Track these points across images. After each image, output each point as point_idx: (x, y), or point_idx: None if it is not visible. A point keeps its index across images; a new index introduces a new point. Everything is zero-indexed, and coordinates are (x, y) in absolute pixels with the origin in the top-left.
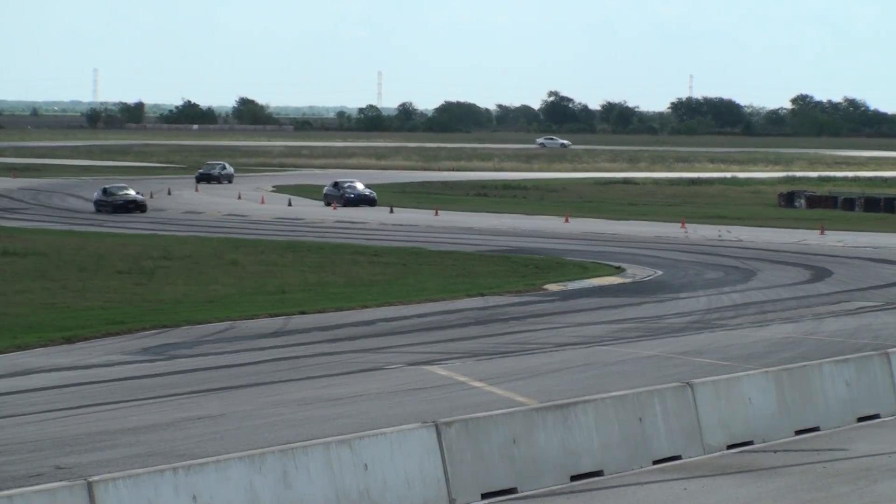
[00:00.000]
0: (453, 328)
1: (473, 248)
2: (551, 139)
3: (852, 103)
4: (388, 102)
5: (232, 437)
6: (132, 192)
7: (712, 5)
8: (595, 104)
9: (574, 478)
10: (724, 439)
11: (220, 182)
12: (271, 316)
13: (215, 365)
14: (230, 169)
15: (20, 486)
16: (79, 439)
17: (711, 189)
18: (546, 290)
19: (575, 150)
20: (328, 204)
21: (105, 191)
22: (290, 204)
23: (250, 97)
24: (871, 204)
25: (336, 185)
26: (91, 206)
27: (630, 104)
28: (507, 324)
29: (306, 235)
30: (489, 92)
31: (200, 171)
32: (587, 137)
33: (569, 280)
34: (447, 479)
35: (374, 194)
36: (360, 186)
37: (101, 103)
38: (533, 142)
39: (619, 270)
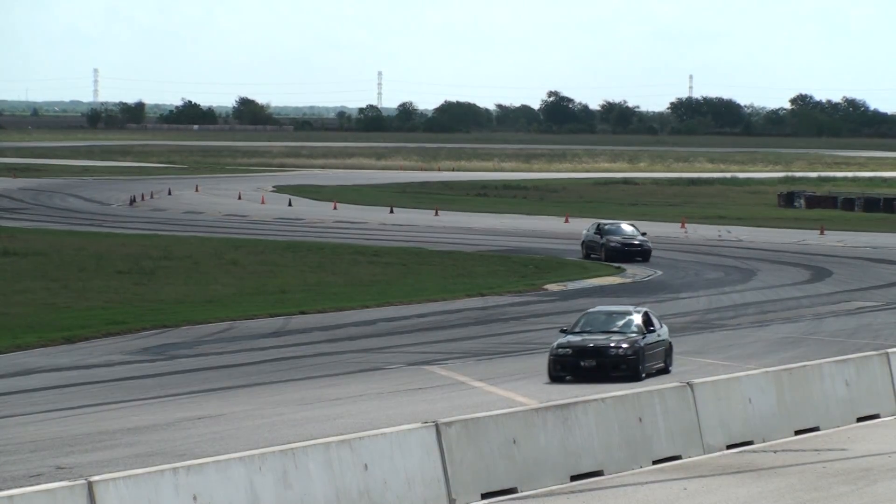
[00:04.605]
0: (453, 328)
1: (473, 248)
2: None
3: (852, 103)
4: (388, 102)
5: (232, 437)
6: (630, 229)
7: (712, 5)
8: (595, 104)
9: (574, 478)
10: (724, 439)
11: None
12: (271, 316)
13: (215, 365)
14: None
15: (21, 486)
16: (79, 439)
17: (711, 189)
18: (546, 290)
19: (575, 150)
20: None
21: (599, 228)
22: (290, 204)
23: (250, 97)
24: (871, 204)
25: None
26: None
27: (630, 104)
28: (507, 324)
29: (306, 235)
30: (489, 92)
31: None
32: (587, 137)
33: (569, 280)
34: (447, 479)
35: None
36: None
37: (102, 103)
38: (534, 142)
39: (619, 270)
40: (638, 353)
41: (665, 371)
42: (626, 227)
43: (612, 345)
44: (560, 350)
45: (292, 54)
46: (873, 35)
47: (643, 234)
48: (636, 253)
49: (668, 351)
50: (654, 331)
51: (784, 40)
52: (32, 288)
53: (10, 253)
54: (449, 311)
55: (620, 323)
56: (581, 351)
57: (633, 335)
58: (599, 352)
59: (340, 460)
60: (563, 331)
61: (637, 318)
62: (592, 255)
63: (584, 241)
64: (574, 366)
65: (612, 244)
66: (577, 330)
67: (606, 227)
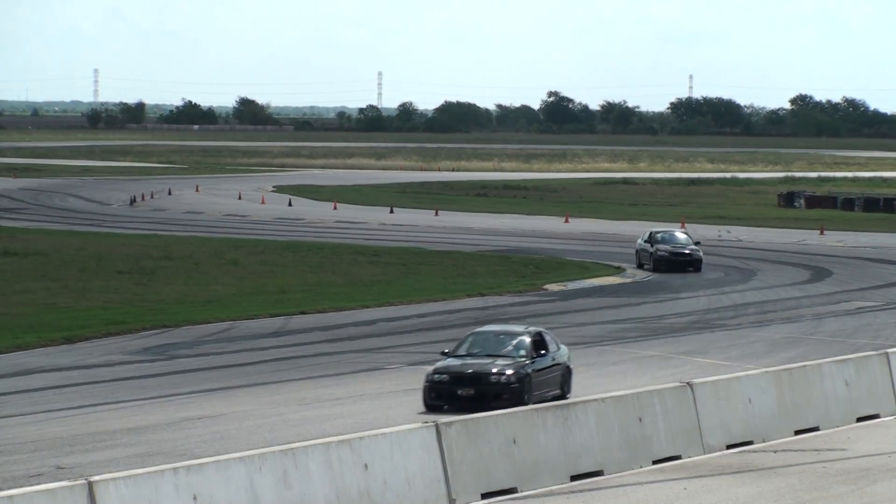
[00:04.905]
0: (453, 328)
1: (473, 248)
2: None
3: (852, 103)
4: (388, 102)
5: (232, 437)
6: (683, 237)
7: (712, 5)
8: (595, 104)
9: (574, 478)
10: (724, 439)
11: None
12: (271, 316)
13: (215, 365)
14: None
15: (21, 486)
16: (79, 439)
17: (711, 189)
18: (546, 290)
19: (575, 150)
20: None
21: (650, 236)
22: (290, 204)
23: (250, 97)
24: (871, 204)
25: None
26: None
27: (630, 104)
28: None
29: (306, 235)
30: (489, 92)
31: None
32: (587, 137)
33: (569, 280)
34: (447, 479)
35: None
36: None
37: (102, 103)
38: (534, 142)
39: (619, 270)
40: (522, 380)
41: (562, 398)
42: (680, 234)
43: (495, 371)
44: (436, 376)
45: (292, 54)
46: (873, 35)
47: (696, 243)
48: (685, 263)
49: (566, 376)
50: (545, 354)
51: (784, 40)
52: (32, 288)
53: (10, 253)
54: (449, 311)
55: (509, 345)
56: (458, 378)
57: (521, 359)
58: (478, 379)
59: (340, 460)
60: (444, 353)
61: (527, 340)
62: (644, 265)
63: (636, 250)
64: (450, 394)
65: (660, 253)
66: (459, 353)
67: (658, 235)
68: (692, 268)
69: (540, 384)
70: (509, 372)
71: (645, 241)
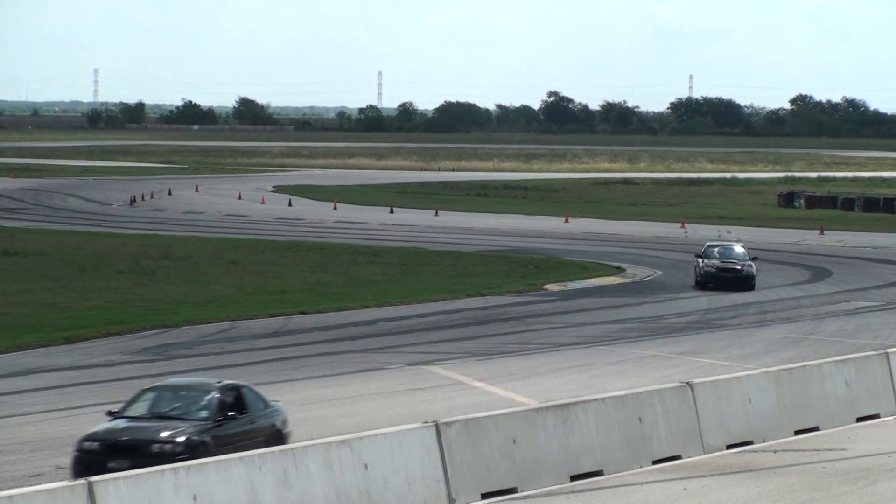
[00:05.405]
0: (453, 328)
1: (473, 248)
2: None
3: (852, 103)
4: (388, 102)
5: None
6: (739, 251)
7: (712, 5)
8: (595, 104)
9: (574, 478)
10: (724, 439)
11: None
12: (271, 316)
13: (215, 365)
14: None
15: (21, 486)
16: None
17: (711, 189)
18: (546, 290)
19: (575, 150)
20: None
21: (705, 250)
22: (290, 204)
23: (250, 97)
24: (871, 204)
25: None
26: None
27: (630, 104)
28: (507, 324)
29: (306, 235)
30: (489, 92)
31: None
32: (587, 137)
33: (569, 280)
34: (447, 479)
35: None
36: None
37: (102, 103)
38: (534, 142)
39: (619, 270)
40: (195, 449)
41: None
42: (738, 248)
43: (162, 437)
44: (86, 444)
45: (292, 54)
46: (873, 35)
47: (753, 259)
48: (733, 280)
49: (275, 441)
50: (240, 416)
51: (784, 40)
52: (32, 288)
53: (10, 253)
54: (449, 311)
55: (192, 404)
56: (111, 447)
57: (203, 423)
58: (136, 449)
59: (340, 460)
60: (110, 413)
61: (215, 398)
62: (697, 280)
63: (694, 266)
64: (101, 467)
65: (707, 269)
66: (129, 413)
67: (714, 249)
68: (745, 286)
69: (227, 452)
70: (180, 440)
71: (698, 256)
